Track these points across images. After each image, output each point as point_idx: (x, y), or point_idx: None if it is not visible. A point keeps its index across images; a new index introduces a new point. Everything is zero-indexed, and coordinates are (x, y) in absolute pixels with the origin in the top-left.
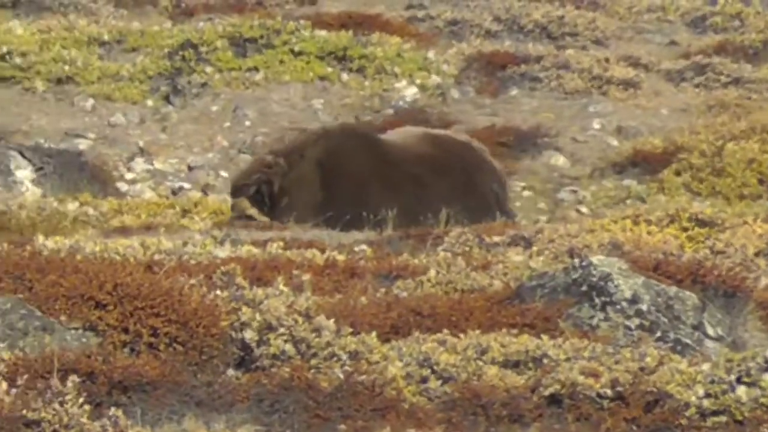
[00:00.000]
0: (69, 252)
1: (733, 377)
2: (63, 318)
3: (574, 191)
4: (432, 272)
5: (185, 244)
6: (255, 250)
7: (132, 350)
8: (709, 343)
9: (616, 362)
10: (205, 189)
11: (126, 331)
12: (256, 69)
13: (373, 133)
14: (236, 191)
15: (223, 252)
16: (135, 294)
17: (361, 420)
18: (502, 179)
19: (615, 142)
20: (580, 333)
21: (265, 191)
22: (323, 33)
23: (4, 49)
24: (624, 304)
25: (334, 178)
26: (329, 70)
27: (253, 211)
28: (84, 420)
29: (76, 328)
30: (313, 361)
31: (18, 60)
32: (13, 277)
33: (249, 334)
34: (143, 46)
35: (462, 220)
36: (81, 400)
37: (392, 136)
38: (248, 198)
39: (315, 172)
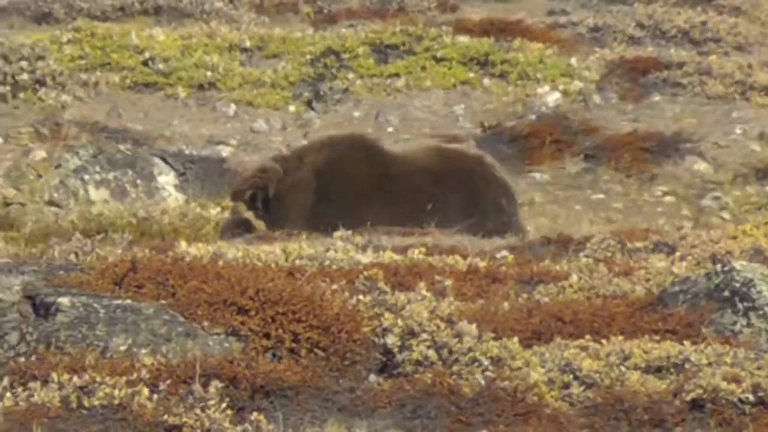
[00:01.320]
0: (211, 258)
1: None
2: (205, 323)
3: (717, 197)
4: (574, 278)
5: (327, 249)
6: (397, 256)
7: (274, 355)
8: None
9: (758, 368)
10: None
11: (268, 336)
12: (398, 75)
13: (380, 145)
14: (235, 195)
15: (365, 257)
16: (277, 299)
17: (502, 425)
18: (512, 194)
19: (758, 148)
20: (722, 339)
21: (260, 196)
22: (465, 39)
23: (147, 55)
24: (766, 309)
25: (330, 187)
26: (471, 75)
27: (249, 215)
28: (226, 425)
29: (219, 334)
30: (455, 367)
31: (160, 66)
32: (155, 283)
33: (391, 340)
34: (285, 53)
35: (465, 234)
36: (223, 405)
37: (400, 148)
38: (245, 202)
39: (312, 178)
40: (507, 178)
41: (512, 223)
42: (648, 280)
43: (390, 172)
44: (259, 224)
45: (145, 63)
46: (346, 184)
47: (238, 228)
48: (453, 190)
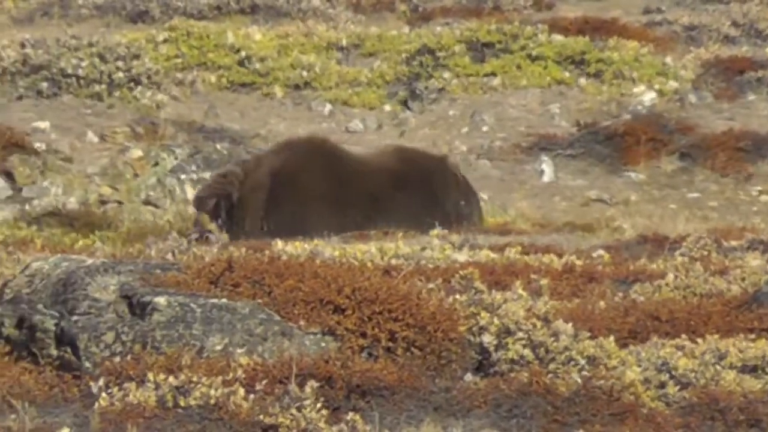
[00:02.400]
0: (308, 256)
1: None
2: (301, 323)
3: None
4: (670, 277)
5: (423, 248)
6: (493, 255)
7: (370, 355)
8: None
9: None
10: None
11: (364, 335)
12: (494, 74)
13: (339, 148)
14: (197, 204)
15: (462, 256)
16: (373, 298)
17: (598, 425)
18: (472, 196)
19: None
20: None
21: (223, 204)
22: (560, 37)
23: (243, 54)
24: None
25: (281, 191)
26: (566, 74)
27: (212, 227)
28: (322, 425)
29: (315, 333)
30: (551, 366)
31: (257, 65)
32: (251, 282)
33: (487, 339)
34: (381, 51)
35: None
36: (319, 405)
37: (360, 150)
38: (208, 212)
39: (266, 182)
40: (467, 180)
41: (468, 224)
42: (743, 278)
43: (343, 177)
44: (222, 237)
45: (241, 62)
46: (294, 189)
47: (200, 240)
48: (411, 191)
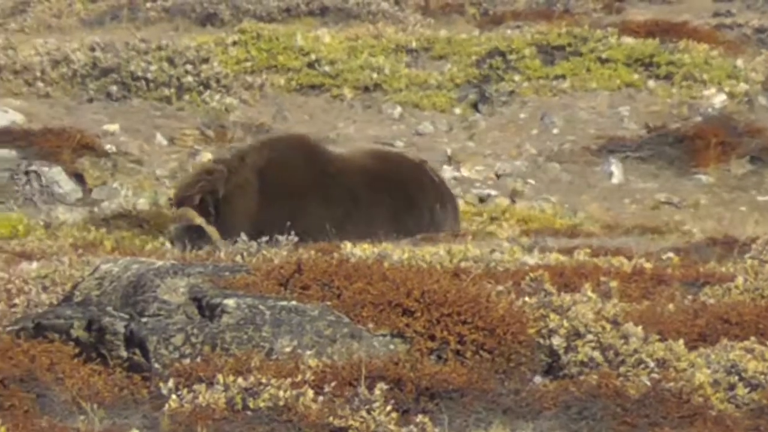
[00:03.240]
0: (377, 259)
1: None
2: (370, 325)
3: None
4: (739, 279)
5: (492, 251)
6: (562, 257)
7: (439, 357)
8: None
9: None
10: (513, 196)
11: (433, 338)
12: (564, 77)
13: (319, 146)
14: (180, 201)
15: (531, 259)
16: (442, 301)
17: (668, 427)
18: (447, 201)
19: None
20: None
21: (210, 200)
22: (630, 40)
23: (313, 57)
24: None
25: (270, 188)
26: (636, 77)
27: (200, 221)
28: (391, 427)
29: (384, 335)
30: (621, 368)
31: (326, 68)
32: (321, 285)
33: (556, 341)
34: (451, 54)
35: (396, 236)
36: (388, 407)
37: (340, 149)
38: (194, 207)
39: (255, 179)
40: (445, 185)
41: (440, 228)
42: None
43: (327, 173)
44: (212, 231)
45: (310, 65)
46: (284, 185)
47: (190, 235)
48: (387, 191)
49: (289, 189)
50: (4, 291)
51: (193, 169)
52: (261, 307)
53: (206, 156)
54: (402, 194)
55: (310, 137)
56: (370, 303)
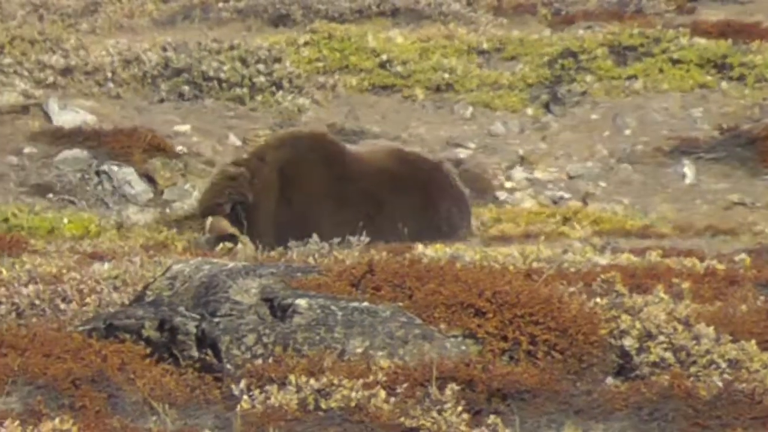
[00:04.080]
0: (449, 260)
1: None
2: (442, 326)
3: None
4: None
5: (565, 252)
6: (634, 258)
7: (511, 358)
8: None
9: None
10: (585, 198)
11: (505, 338)
12: (636, 77)
13: (338, 144)
14: (210, 210)
15: (603, 260)
16: (514, 302)
17: (740, 428)
18: (465, 205)
19: None
20: None
21: (241, 208)
22: (702, 41)
23: (385, 57)
24: None
25: (291, 189)
26: (708, 78)
27: (234, 230)
28: (462, 428)
29: (455, 336)
30: (693, 369)
31: (398, 68)
32: (393, 285)
33: (628, 342)
34: (522, 55)
35: (415, 238)
36: (459, 408)
37: (359, 148)
38: (225, 217)
39: (276, 178)
40: (462, 187)
41: (460, 234)
42: None
43: (346, 175)
44: (244, 239)
45: (382, 65)
46: (303, 187)
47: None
48: (407, 193)
49: (311, 190)
50: (76, 291)
51: (214, 175)
52: (333, 307)
53: None
54: (423, 195)
55: (328, 134)
56: (442, 304)
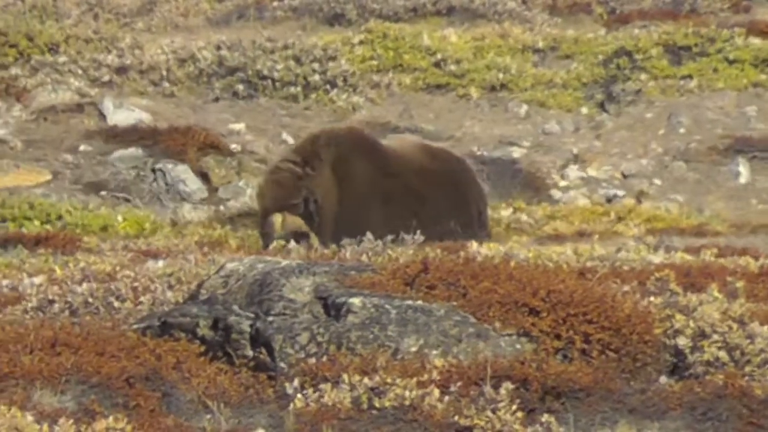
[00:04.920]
0: (503, 258)
1: None
2: (496, 324)
3: None
4: None
5: (618, 250)
6: (688, 257)
7: (565, 357)
8: None
9: None
10: (639, 196)
11: (559, 337)
12: (690, 76)
13: (377, 141)
14: (282, 208)
15: (657, 258)
16: (568, 300)
17: None
18: (485, 200)
19: None
20: None
21: (314, 207)
22: (757, 41)
23: (439, 56)
24: None
25: (343, 187)
26: (763, 77)
27: (306, 228)
28: (516, 426)
29: (510, 335)
30: (747, 368)
31: (452, 67)
32: (447, 284)
33: (682, 341)
34: (577, 54)
35: (450, 236)
36: (514, 406)
37: (391, 143)
38: (300, 216)
39: (332, 176)
40: (481, 182)
41: (484, 228)
42: None
43: (389, 168)
44: (313, 237)
45: (437, 64)
46: (355, 183)
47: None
48: (443, 189)
49: (361, 188)
50: (131, 289)
51: (275, 172)
52: (387, 306)
53: None
54: (457, 192)
55: (364, 130)
56: (496, 302)
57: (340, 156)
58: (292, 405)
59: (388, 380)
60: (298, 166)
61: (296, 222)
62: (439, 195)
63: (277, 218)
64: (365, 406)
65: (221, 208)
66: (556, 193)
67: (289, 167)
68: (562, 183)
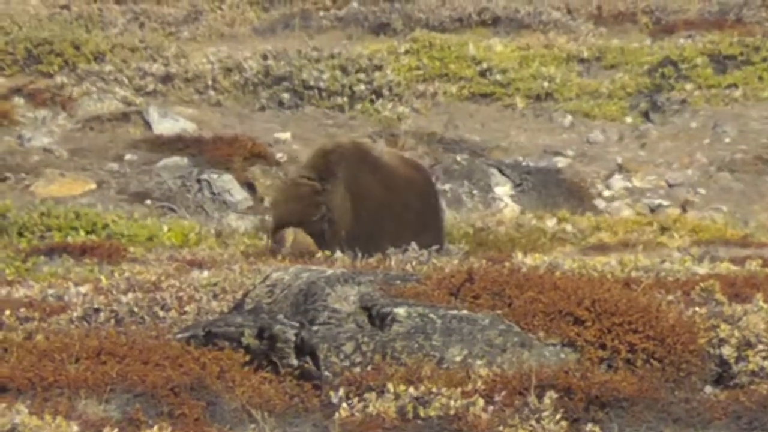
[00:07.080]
0: (547, 268)
1: None
2: (541, 334)
3: None
4: None
5: (663, 260)
6: (733, 267)
7: (609, 366)
8: None
9: None
10: (685, 206)
11: (603, 347)
12: (735, 86)
13: (379, 156)
14: (296, 223)
15: (702, 268)
16: (613, 310)
17: None
18: (443, 211)
19: None
20: None
21: (328, 226)
22: None
23: (485, 66)
24: None
25: (357, 205)
26: None
27: (314, 247)
28: None
29: (554, 344)
30: None
31: (498, 77)
32: (491, 293)
33: (727, 351)
34: (622, 63)
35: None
36: (558, 416)
37: (385, 156)
38: (314, 233)
39: (346, 194)
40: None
41: (443, 240)
42: None
43: (388, 182)
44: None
45: (482, 74)
46: (365, 198)
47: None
48: (427, 200)
49: (371, 203)
50: (176, 298)
51: (290, 187)
52: (432, 315)
53: None
54: (434, 203)
55: (366, 143)
56: (540, 312)
57: (351, 172)
58: (337, 414)
59: (433, 390)
60: (320, 182)
61: (306, 241)
62: (426, 207)
63: (289, 235)
64: (410, 415)
65: (267, 217)
66: (600, 203)
67: (308, 183)
68: (607, 193)
